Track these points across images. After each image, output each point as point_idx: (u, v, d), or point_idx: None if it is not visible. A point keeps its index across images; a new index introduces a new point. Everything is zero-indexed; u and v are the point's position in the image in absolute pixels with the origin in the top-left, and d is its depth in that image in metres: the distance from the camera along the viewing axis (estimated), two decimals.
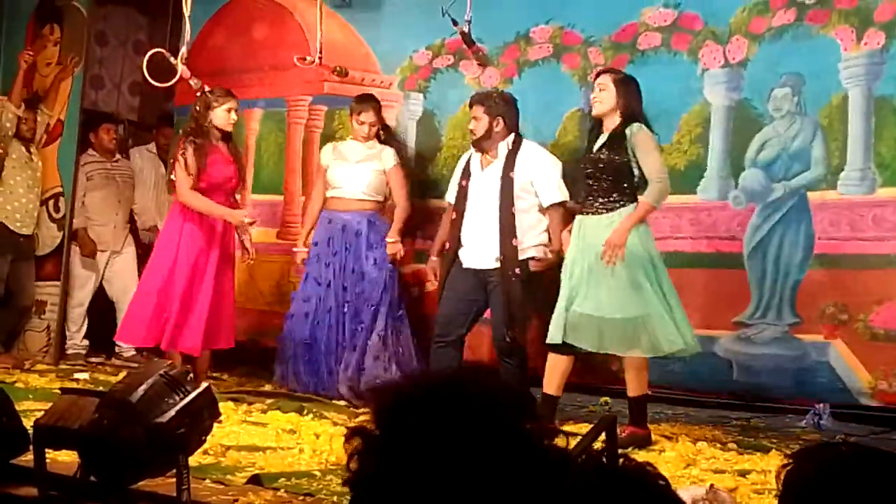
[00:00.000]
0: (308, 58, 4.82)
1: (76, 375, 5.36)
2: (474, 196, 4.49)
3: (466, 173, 4.56)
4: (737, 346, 4.44)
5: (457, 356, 4.40)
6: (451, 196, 4.67)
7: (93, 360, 5.91)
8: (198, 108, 4.81)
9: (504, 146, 4.45)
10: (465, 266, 4.47)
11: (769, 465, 3.53)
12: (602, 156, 3.97)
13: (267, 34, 5.79)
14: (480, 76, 5.15)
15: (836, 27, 4.33)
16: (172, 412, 2.57)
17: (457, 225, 4.51)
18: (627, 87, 4.02)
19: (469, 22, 4.55)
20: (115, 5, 6.63)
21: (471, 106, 4.51)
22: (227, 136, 4.85)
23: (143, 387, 2.58)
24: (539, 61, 5.02)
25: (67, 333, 5.87)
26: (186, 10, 4.76)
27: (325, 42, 5.30)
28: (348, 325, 4.86)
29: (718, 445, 4.02)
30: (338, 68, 5.03)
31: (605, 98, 4.00)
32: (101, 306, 6.00)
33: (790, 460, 1.29)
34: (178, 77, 4.82)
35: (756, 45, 4.51)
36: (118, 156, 6.06)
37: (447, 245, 4.58)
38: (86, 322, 5.92)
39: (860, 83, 4.26)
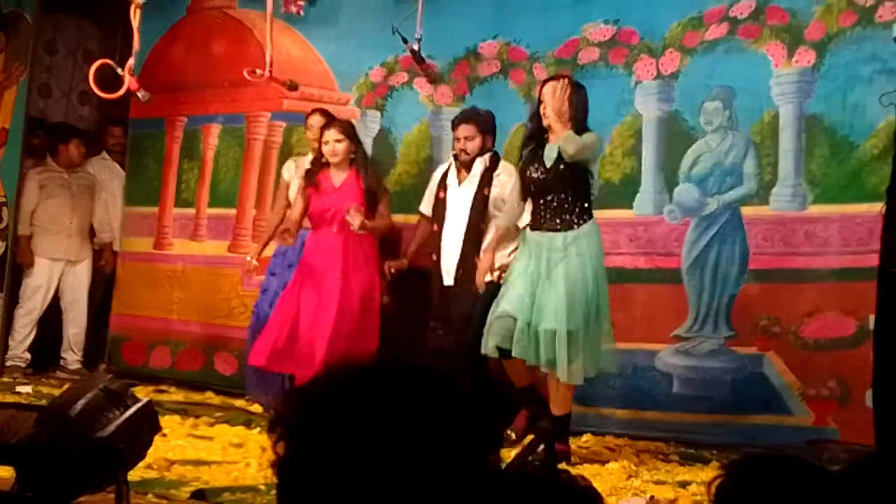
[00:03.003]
0: (258, 71, 4.82)
1: (18, 388, 5.25)
2: (451, 210, 4.54)
3: (443, 184, 4.61)
4: (675, 359, 4.53)
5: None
6: (425, 207, 4.71)
7: (30, 372, 5.76)
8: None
9: (480, 163, 4.49)
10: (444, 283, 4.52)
11: (710, 476, 3.59)
12: (561, 170, 3.87)
13: (226, 50, 5.81)
14: (434, 94, 5.20)
15: (768, 43, 4.45)
16: (112, 427, 2.53)
17: (438, 236, 4.56)
18: (579, 97, 3.94)
19: (419, 40, 4.59)
20: (64, 14, 6.54)
21: (459, 124, 4.53)
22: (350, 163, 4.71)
23: (83, 401, 2.54)
24: (488, 78, 5.09)
25: (11, 343, 5.75)
26: (135, 22, 4.72)
27: (284, 58, 5.31)
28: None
29: (661, 457, 4.09)
30: (288, 82, 5.04)
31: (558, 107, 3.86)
32: (49, 317, 5.88)
33: (722, 472, 1.33)
34: (124, 88, 4.78)
35: (688, 58, 4.61)
36: (80, 166, 5.96)
37: (433, 256, 4.59)
38: (32, 333, 5.80)
39: (791, 100, 4.39)
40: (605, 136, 4.68)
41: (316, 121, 4.98)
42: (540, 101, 3.97)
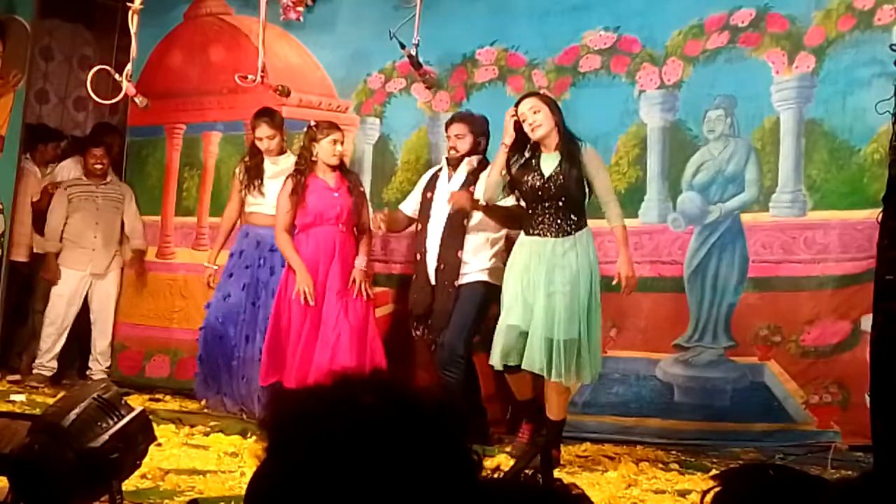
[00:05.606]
0: (250, 76, 4.81)
1: (12, 397, 5.23)
2: (435, 210, 4.53)
3: (432, 185, 4.60)
4: (676, 368, 4.52)
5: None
6: (407, 206, 4.71)
7: (65, 382, 5.74)
8: (303, 142, 4.75)
9: (466, 164, 4.50)
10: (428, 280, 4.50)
11: (710, 485, 3.57)
12: (560, 178, 3.92)
13: (224, 57, 5.78)
14: (432, 100, 5.19)
15: (768, 50, 4.46)
16: (106, 436, 2.51)
17: (423, 235, 4.55)
18: (556, 107, 4.03)
19: (416, 45, 4.58)
20: (61, 20, 6.53)
21: (451, 123, 4.53)
22: (339, 167, 4.74)
23: (76, 410, 2.52)
24: (486, 84, 5.08)
25: (39, 353, 5.76)
26: (133, 27, 4.72)
27: (282, 65, 5.29)
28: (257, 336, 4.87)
29: (660, 466, 4.06)
30: (280, 87, 5.03)
31: (542, 119, 3.95)
32: (76, 330, 5.85)
33: (716, 482, 1.31)
34: (122, 94, 4.77)
35: (691, 67, 4.62)
36: (110, 178, 5.92)
37: (417, 256, 4.59)
38: (60, 343, 5.78)
39: (791, 106, 4.39)
40: (611, 146, 4.69)
41: (264, 132, 4.96)
42: (520, 118, 3.99)
